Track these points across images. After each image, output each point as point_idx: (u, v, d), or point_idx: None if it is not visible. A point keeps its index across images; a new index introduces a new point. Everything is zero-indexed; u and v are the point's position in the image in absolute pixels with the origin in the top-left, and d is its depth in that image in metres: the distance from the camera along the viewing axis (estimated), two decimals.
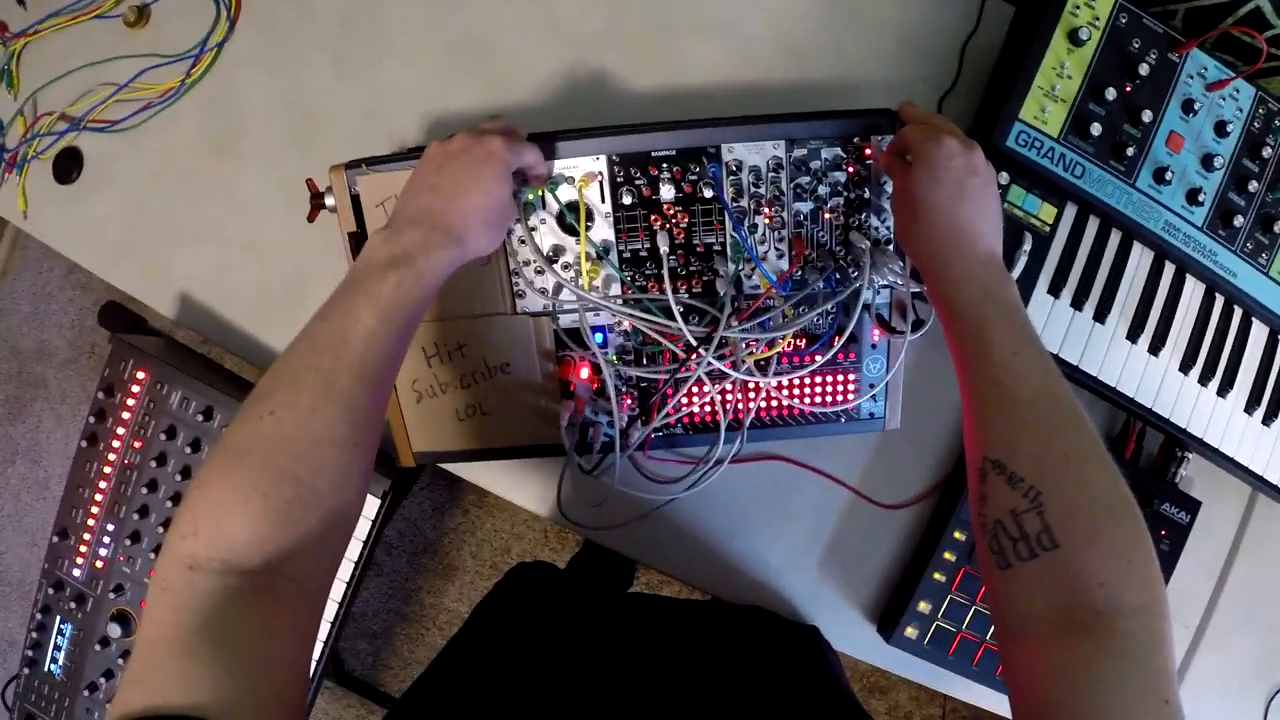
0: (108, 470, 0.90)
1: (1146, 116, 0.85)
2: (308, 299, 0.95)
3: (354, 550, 0.87)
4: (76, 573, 0.91)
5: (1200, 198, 0.86)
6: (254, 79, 1.00)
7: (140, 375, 0.90)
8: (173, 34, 1.01)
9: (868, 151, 0.79)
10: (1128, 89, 0.85)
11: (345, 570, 0.88)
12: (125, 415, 0.90)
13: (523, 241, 0.80)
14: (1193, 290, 0.90)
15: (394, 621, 2.04)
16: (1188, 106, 0.86)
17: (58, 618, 0.90)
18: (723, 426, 0.84)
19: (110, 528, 0.90)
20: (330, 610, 0.88)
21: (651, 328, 0.80)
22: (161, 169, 1.00)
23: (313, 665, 0.88)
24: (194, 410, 0.89)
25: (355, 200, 0.80)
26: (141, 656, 0.45)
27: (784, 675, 0.80)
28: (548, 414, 0.85)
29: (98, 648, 0.89)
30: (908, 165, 0.71)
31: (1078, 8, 0.84)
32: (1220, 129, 0.87)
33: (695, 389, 0.84)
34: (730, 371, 0.79)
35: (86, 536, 0.90)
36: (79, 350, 2.09)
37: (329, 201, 0.81)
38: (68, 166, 1.00)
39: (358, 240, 0.81)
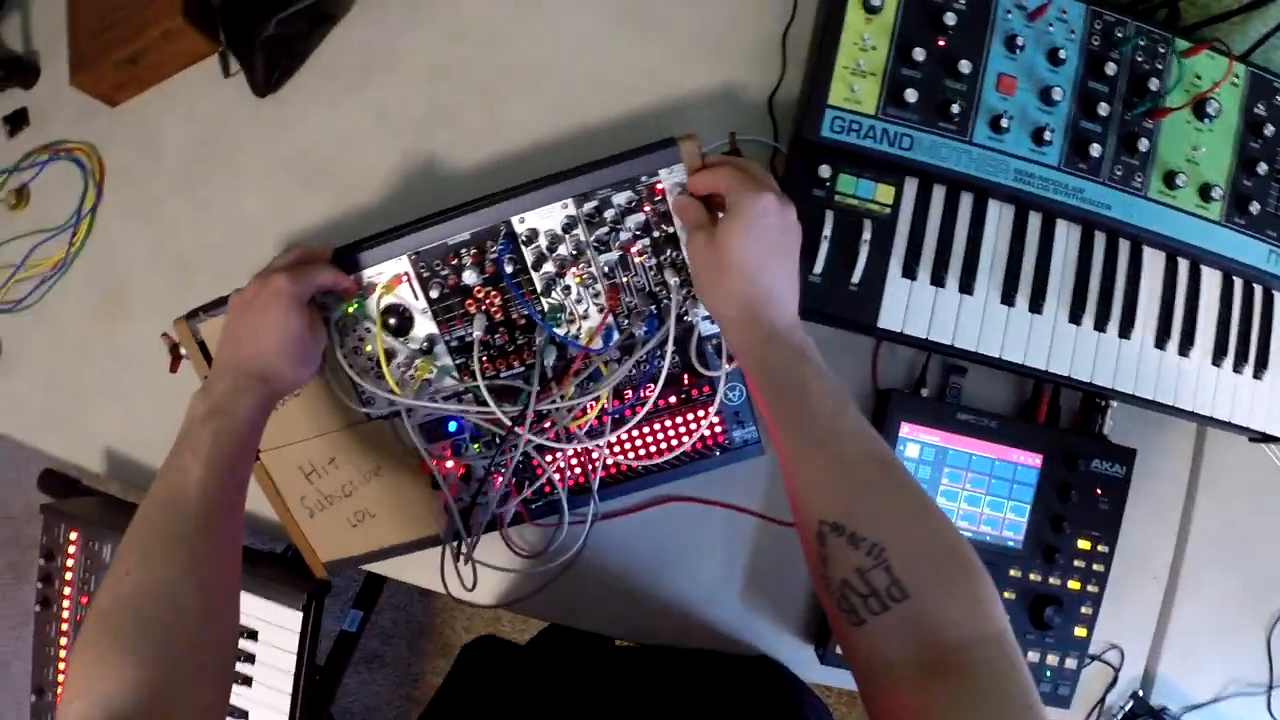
0: (65, 627, 0.98)
1: (966, 67, 0.78)
2: None
3: (288, 663, 0.91)
4: None
5: (1047, 135, 0.78)
6: (126, 235, 1.04)
7: (73, 536, 0.97)
8: (51, 207, 1.06)
9: (659, 188, 0.75)
10: (940, 43, 0.79)
11: (285, 682, 0.92)
12: (69, 575, 0.97)
13: (355, 351, 0.81)
14: (1066, 234, 0.82)
15: (407, 708, 2.11)
16: (1011, 43, 0.79)
17: None
18: (564, 496, 0.83)
19: None
20: None
21: (478, 416, 0.80)
22: (63, 337, 1.05)
23: None
24: None
25: (203, 347, 0.83)
26: None
27: (747, 712, 0.81)
28: (427, 505, 0.87)
29: None
30: (711, 212, 0.69)
31: None
32: (1053, 57, 0.79)
33: (549, 458, 0.83)
34: (553, 444, 0.78)
35: (60, 691, 0.98)
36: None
37: (183, 351, 0.85)
38: None
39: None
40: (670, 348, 0.76)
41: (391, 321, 0.80)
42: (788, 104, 0.91)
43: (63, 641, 0.97)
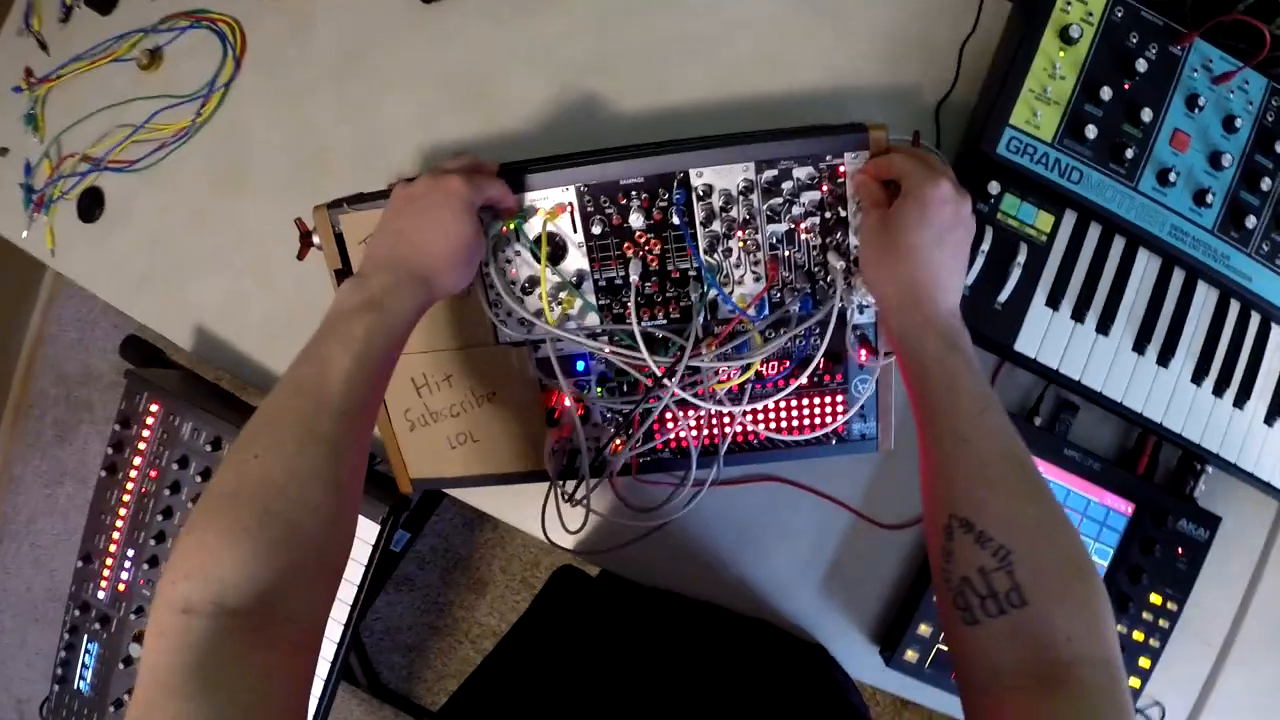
0: (126, 498, 0.95)
1: (1147, 115, 0.80)
2: (313, 329, 0.98)
3: (356, 573, 0.90)
4: (101, 595, 0.97)
5: (1209, 198, 0.81)
6: (260, 116, 1.04)
7: (154, 408, 0.94)
8: (184, 75, 1.06)
9: (841, 170, 0.76)
10: (1125, 86, 0.81)
11: (349, 592, 0.91)
12: (141, 446, 0.95)
13: (502, 273, 0.80)
14: (1204, 297, 0.85)
15: (427, 635, 2.10)
16: (1192, 102, 0.81)
17: (85, 638, 0.96)
18: (694, 455, 0.84)
19: (130, 553, 0.95)
20: (336, 631, 0.91)
21: (621, 359, 0.80)
22: (176, 204, 1.04)
23: (321, 687, 0.91)
24: (204, 440, 0.93)
25: (339, 238, 0.82)
26: (140, 699, 0.47)
27: (796, 691, 0.81)
28: (536, 440, 0.87)
29: (122, 666, 0.95)
30: (888, 193, 0.70)
31: (1069, 4, 0.80)
32: (1229, 124, 0.81)
33: (674, 415, 0.84)
34: (698, 401, 0.78)
35: (109, 561, 0.96)
36: (122, 375, 2.19)
37: (316, 240, 0.84)
38: (91, 206, 1.06)
39: (343, 277, 0.83)
40: (831, 329, 0.77)
41: (538, 250, 0.80)
42: (953, 114, 0.92)
43: (121, 512, 0.95)
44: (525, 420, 0.86)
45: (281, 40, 1.04)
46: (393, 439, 0.89)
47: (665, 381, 0.76)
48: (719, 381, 0.79)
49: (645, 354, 0.75)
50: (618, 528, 0.89)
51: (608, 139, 0.90)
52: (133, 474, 0.95)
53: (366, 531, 0.91)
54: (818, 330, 0.80)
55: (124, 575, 0.95)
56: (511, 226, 0.79)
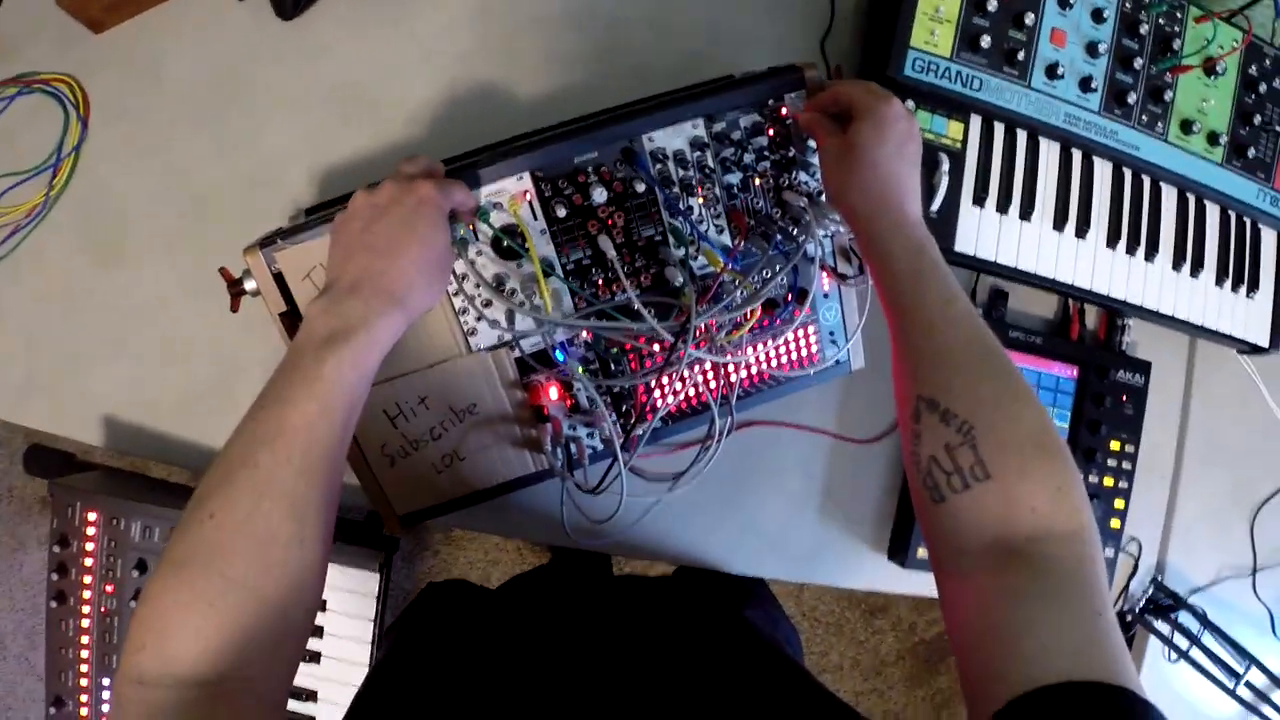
0: (86, 623, 0.84)
1: (1029, 19, 0.88)
2: (239, 390, 0.90)
3: (366, 632, 0.84)
4: None
5: (1093, 84, 0.90)
6: (123, 174, 0.93)
7: (91, 517, 0.84)
8: (24, 147, 0.93)
9: (783, 111, 0.78)
10: None
11: (363, 653, 0.84)
12: (88, 562, 0.84)
13: (465, 278, 0.77)
14: (1103, 171, 0.94)
15: None
16: (1063, 1, 0.89)
17: None
18: (715, 407, 0.84)
19: (106, 681, 0.84)
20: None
21: (618, 334, 0.79)
22: (47, 291, 0.92)
23: None
24: (159, 537, 0.84)
25: (279, 278, 0.76)
26: None
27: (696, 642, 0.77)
28: (527, 443, 0.84)
29: None
30: (835, 123, 0.72)
31: None
32: (1097, 16, 0.90)
33: (671, 379, 0.83)
34: (710, 356, 0.78)
35: (84, 698, 0.84)
36: (38, 495, 1.92)
37: (249, 286, 0.76)
38: None
39: (291, 318, 0.77)
40: (818, 262, 0.79)
41: (505, 244, 0.77)
42: (836, 49, 0.97)
43: (84, 641, 0.83)
44: (512, 424, 0.83)
45: (128, 88, 0.94)
46: (372, 480, 0.83)
47: (680, 343, 0.75)
48: (729, 334, 0.79)
49: (653, 322, 0.74)
50: (609, 512, 0.86)
51: (507, 128, 0.88)
52: (85, 594, 0.83)
53: (365, 585, 0.85)
54: (793, 269, 0.82)
55: (104, 709, 0.84)
56: (471, 226, 0.76)
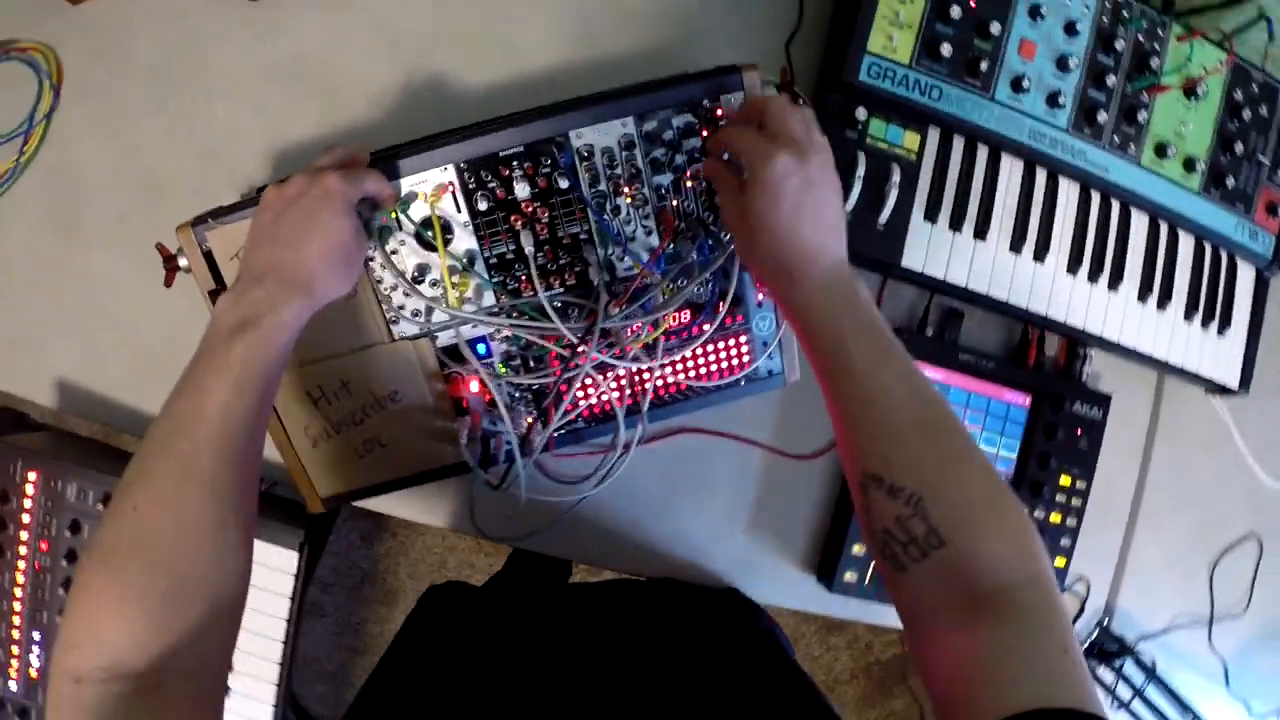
0: (20, 578, 0.87)
1: (995, 28, 0.84)
2: (183, 360, 0.92)
3: (282, 608, 0.86)
4: (14, 686, 0.88)
5: (1061, 100, 0.86)
6: (86, 147, 0.94)
7: (31, 476, 0.86)
8: None
9: (719, 113, 0.76)
10: (972, 4, 0.85)
11: (278, 629, 0.86)
12: (25, 519, 0.86)
13: (384, 267, 0.77)
14: (1068, 191, 0.90)
15: (347, 657, 2.04)
16: (1034, 11, 0.85)
17: None
18: (620, 416, 0.83)
19: (37, 635, 0.87)
20: (273, 673, 0.86)
21: (531, 332, 0.78)
22: (10, 257, 0.94)
23: None
24: (94, 500, 0.86)
25: (209, 257, 0.77)
26: None
27: (703, 641, 0.81)
28: (446, 434, 0.83)
29: None
30: (734, 171, 0.68)
31: None
32: (1070, 29, 0.86)
33: (589, 381, 0.82)
34: (618, 362, 0.77)
35: (14, 650, 0.87)
36: None
37: (182, 263, 0.78)
38: None
39: (218, 298, 0.78)
40: (737, 269, 0.77)
41: (428, 234, 0.77)
42: (801, 51, 0.93)
43: (17, 593, 0.86)
44: (433, 415, 0.83)
45: (99, 61, 0.96)
46: (295, 459, 0.83)
47: (583, 348, 0.74)
48: (635, 341, 0.78)
49: (558, 323, 0.73)
50: (532, 511, 0.86)
51: (465, 113, 0.87)
52: (21, 550, 0.86)
53: (286, 562, 0.87)
54: (720, 274, 0.80)
55: (34, 661, 0.87)
56: (393, 216, 0.76)
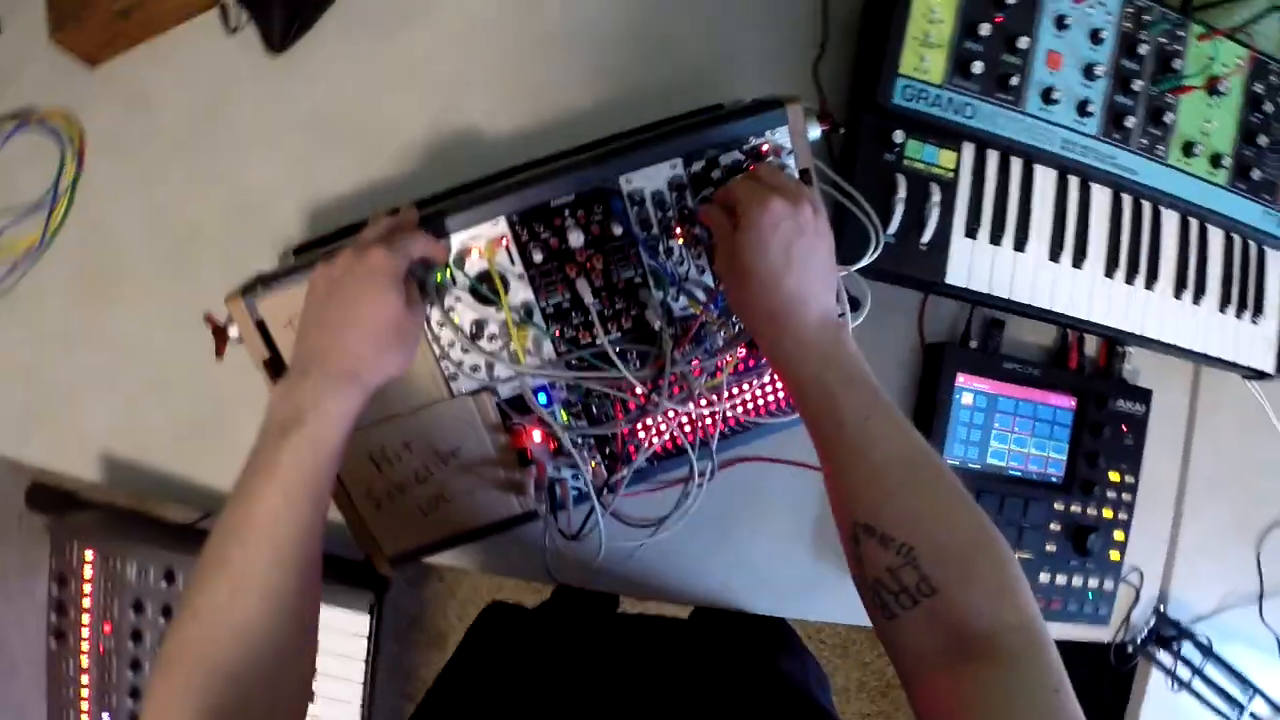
0: (85, 663, 0.86)
1: (1023, 43, 0.85)
2: (231, 426, 0.90)
3: (357, 672, 0.85)
4: None
5: (1090, 108, 0.87)
6: (116, 210, 0.94)
7: (89, 556, 0.85)
8: (21, 184, 0.94)
9: (764, 149, 0.77)
10: (999, 19, 0.85)
11: (354, 693, 0.85)
12: (86, 602, 0.85)
13: (442, 325, 0.77)
14: (1100, 197, 0.92)
15: (400, 704, 2.01)
16: (1059, 22, 0.86)
17: None
18: (694, 454, 0.83)
19: (106, 718, 0.86)
20: None
21: (598, 383, 0.78)
22: (46, 328, 0.93)
23: None
24: (154, 578, 0.86)
25: (261, 326, 0.76)
26: None
27: (715, 684, 0.81)
28: (511, 485, 0.83)
29: None
30: (731, 222, 0.68)
31: None
32: (1094, 37, 0.87)
33: (658, 421, 0.83)
34: (686, 409, 0.78)
35: None
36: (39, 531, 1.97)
37: (233, 333, 0.77)
38: None
39: (273, 367, 0.77)
40: None
41: (483, 289, 0.77)
42: (829, 72, 0.94)
43: (84, 680, 0.85)
44: (497, 467, 0.83)
45: (122, 123, 0.94)
46: (360, 523, 0.83)
47: (654, 395, 0.74)
48: (710, 379, 0.78)
49: (626, 372, 0.74)
50: (609, 551, 0.86)
51: (501, 156, 0.87)
52: (84, 633, 0.85)
53: (357, 626, 0.86)
54: None
55: None
56: (448, 273, 0.76)
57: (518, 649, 0.90)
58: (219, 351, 0.78)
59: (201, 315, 0.77)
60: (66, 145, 0.94)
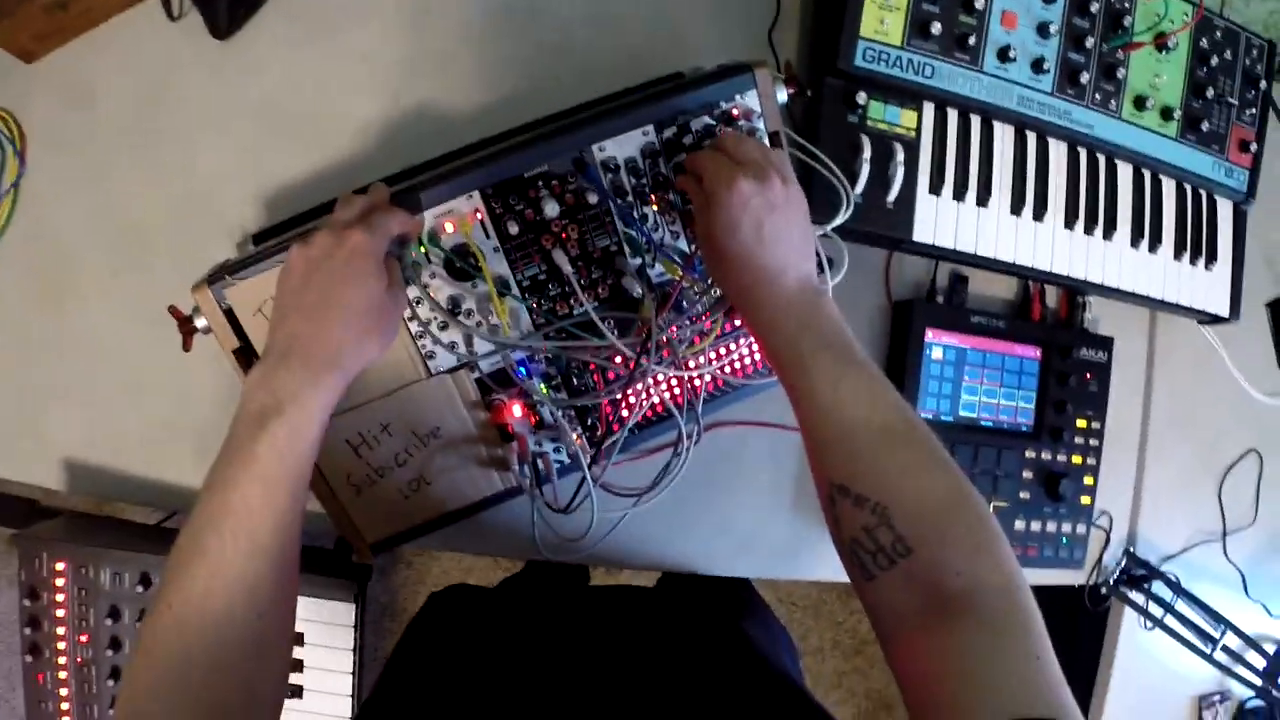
0: (63, 675, 0.83)
1: (979, 3, 0.87)
2: (198, 424, 0.88)
3: (346, 663, 0.84)
4: None
5: (1045, 65, 0.89)
6: (66, 207, 0.90)
7: (59, 566, 0.82)
8: None
9: (735, 113, 0.77)
10: None
11: (344, 683, 0.84)
12: (59, 613, 0.82)
13: (419, 302, 0.75)
14: (1058, 152, 0.94)
15: None
16: None
17: None
18: (681, 418, 0.83)
19: None
20: None
21: (582, 351, 0.78)
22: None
23: None
24: (129, 582, 0.83)
25: (230, 314, 0.74)
26: None
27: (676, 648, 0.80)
28: (492, 462, 0.83)
29: None
30: (704, 193, 0.69)
31: None
32: None
33: (639, 388, 0.83)
34: (677, 371, 0.78)
35: None
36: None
37: (200, 324, 0.74)
38: None
39: (243, 356, 0.75)
40: None
41: (458, 265, 0.75)
42: (784, 41, 0.95)
43: (64, 692, 0.82)
44: (477, 445, 0.82)
45: (64, 118, 0.91)
46: (340, 510, 0.81)
47: (643, 359, 0.74)
48: (691, 345, 0.78)
49: (614, 340, 0.73)
50: (582, 523, 0.86)
51: (456, 137, 0.86)
52: (60, 645, 0.82)
53: (343, 615, 0.85)
54: None
55: None
56: (421, 250, 0.74)
57: (469, 629, 0.87)
58: (186, 345, 0.76)
59: (160, 309, 0.74)
60: (7, 145, 0.90)
